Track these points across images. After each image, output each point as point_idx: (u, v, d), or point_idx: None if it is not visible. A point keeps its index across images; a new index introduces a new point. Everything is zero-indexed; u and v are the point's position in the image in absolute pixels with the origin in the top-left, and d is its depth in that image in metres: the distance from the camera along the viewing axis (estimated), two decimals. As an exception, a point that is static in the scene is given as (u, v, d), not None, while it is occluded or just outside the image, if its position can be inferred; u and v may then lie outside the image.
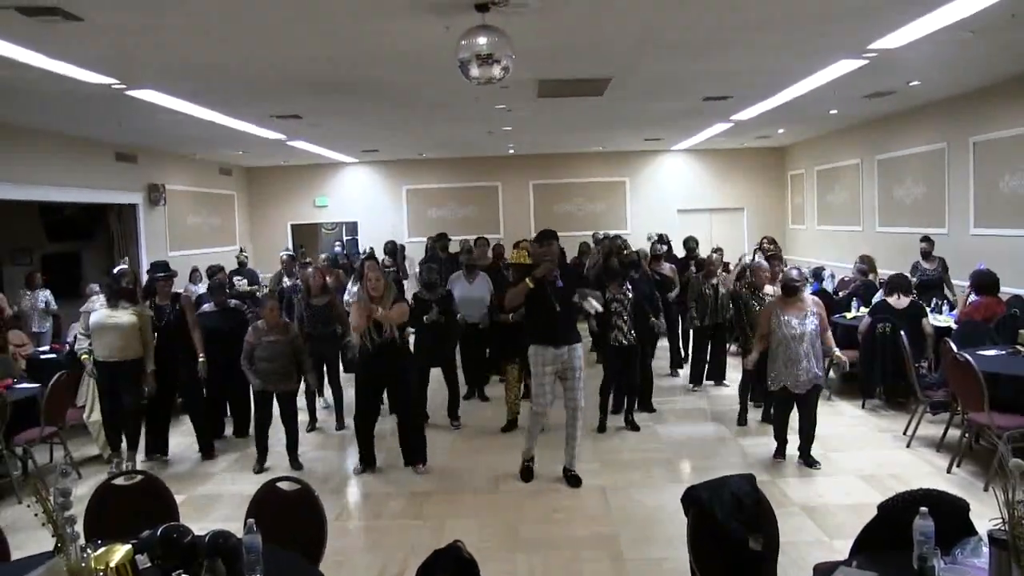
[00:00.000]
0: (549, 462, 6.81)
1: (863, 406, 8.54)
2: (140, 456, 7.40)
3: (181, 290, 12.56)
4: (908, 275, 9.64)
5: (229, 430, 8.43)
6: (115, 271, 7.61)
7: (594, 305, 6.87)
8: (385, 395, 7.12)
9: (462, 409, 8.66)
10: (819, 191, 16.44)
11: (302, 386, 7.71)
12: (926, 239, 10.26)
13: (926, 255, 10.17)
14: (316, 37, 6.45)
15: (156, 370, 7.25)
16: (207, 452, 7.68)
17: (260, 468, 7.20)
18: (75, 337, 7.93)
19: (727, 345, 10.09)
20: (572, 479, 6.54)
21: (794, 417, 6.86)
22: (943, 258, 10.16)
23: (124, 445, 7.29)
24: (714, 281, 9.45)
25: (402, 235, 18.06)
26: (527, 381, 7.90)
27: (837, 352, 6.81)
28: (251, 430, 7.76)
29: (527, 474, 6.71)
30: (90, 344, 7.19)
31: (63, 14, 5.36)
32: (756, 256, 11.23)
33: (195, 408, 7.82)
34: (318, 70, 7.73)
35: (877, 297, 9.49)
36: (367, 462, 7.06)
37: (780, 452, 6.91)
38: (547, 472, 6.74)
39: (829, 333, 6.80)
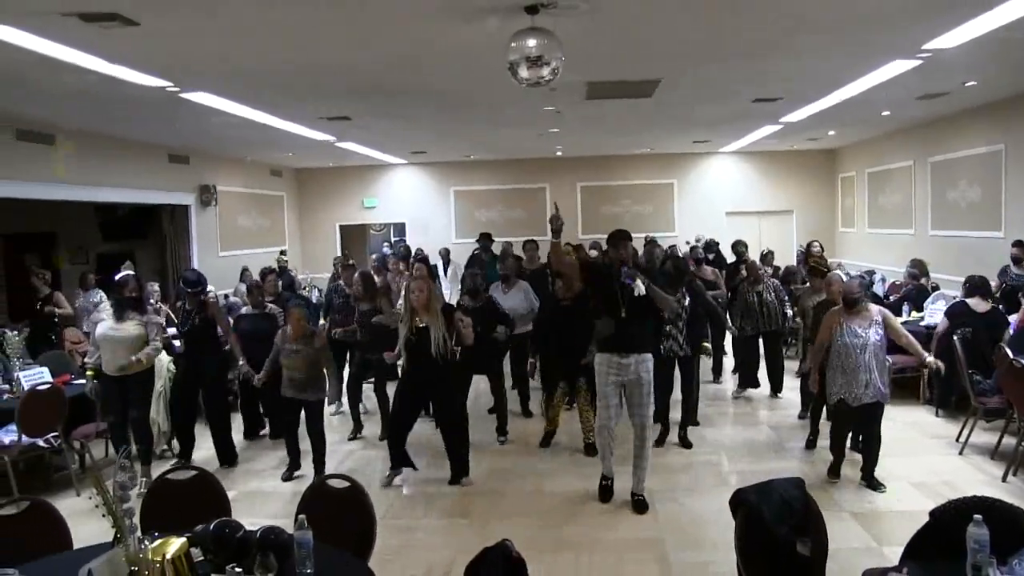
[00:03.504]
0: (593, 470, 6.79)
1: (937, 414, 8.31)
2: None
3: (231, 290, 12.89)
4: (995, 278, 9.45)
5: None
6: (117, 278, 7.32)
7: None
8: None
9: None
10: (870, 193, 16.19)
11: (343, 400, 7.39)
12: (1019, 243, 9.73)
13: (1017, 260, 9.65)
14: (365, 40, 6.51)
15: (184, 373, 7.38)
16: (226, 459, 7.60)
17: (289, 475, 7.08)
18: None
19: (782, 352, 9.85)
20: (638, 503, 6.13)
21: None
22: None
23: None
24: (759, 288, 9.15)
25: (450, 237, 18.15)
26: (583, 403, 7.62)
27: (929, 358, 6.35)
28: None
29: (604, 493, 6.32)
30: (98, 358, 7.02)
31: (121, 19, 5.48)
32: (801, 264, 11.05)
33: (217, 413, 7.65)
34: (367, 73, 7.79)
35: (931, 300, 9.34)
36: (398, 464, 6.80)
37: (835, 470, 6.55)
38: (592, 479, 6.74)
39: (910, 338, 6.42)
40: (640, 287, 5.80)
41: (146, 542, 2.99)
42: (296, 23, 5.92)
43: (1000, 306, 8.43)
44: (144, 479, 6.81)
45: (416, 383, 6.62)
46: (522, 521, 5.90)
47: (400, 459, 6.80)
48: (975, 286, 7.96)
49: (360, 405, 8.71)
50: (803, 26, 6.52)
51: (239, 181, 15.77)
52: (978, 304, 7.83)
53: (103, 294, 11.21)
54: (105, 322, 6.95)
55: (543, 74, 5.44)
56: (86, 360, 7.48)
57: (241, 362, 7.52)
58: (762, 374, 9.59)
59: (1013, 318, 8.30)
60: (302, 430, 7.10)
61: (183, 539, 3.07)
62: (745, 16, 6.20)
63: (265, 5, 5.46)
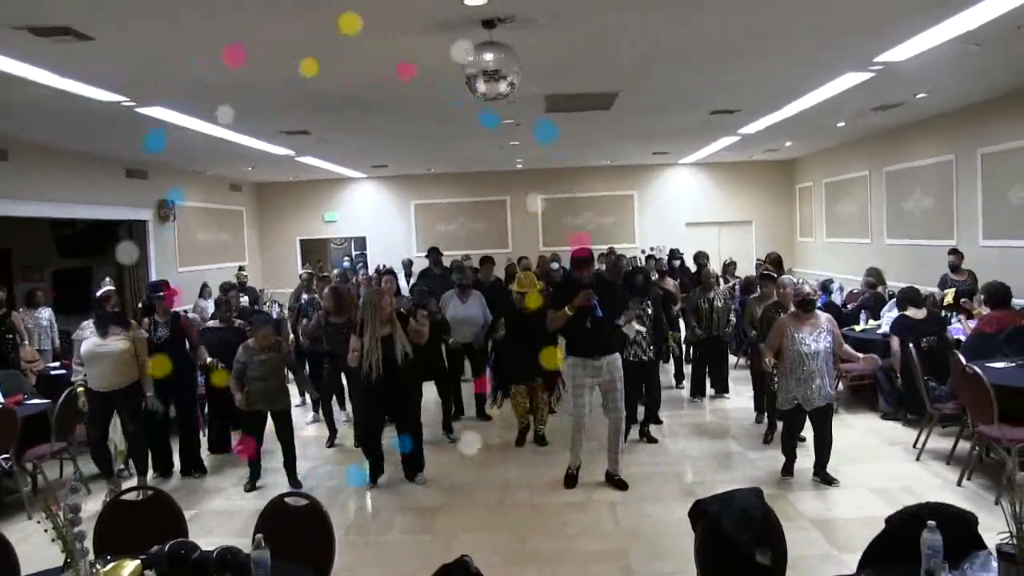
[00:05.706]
0: (563, 469, 6.94)
1: (905, 421, 8.30)
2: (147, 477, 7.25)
3: (190, 306, 12.73)
4: (937, 287, 9.87)
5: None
6: (98, 294, 7.22)
7: (635, 328, 6.90)
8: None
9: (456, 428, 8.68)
10: (827, 203, 16.42)
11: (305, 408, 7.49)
12: (954, 251, 10.14)
13: (955, 268, 10.01)
14: (324, 55, 6.48)
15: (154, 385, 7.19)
16: (194, 469, 7.61)
17: (251, 487, 7.11)
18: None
19: (729, 358, 10.11)
20: (618, 483, 6.72)
21: (804, 431, 6.87)
22: (972, 271, 9.92)
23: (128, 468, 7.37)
24: (711, 295, 9.45)
25: (411, 250, 18.09)
26: (540, 397, 8.10)
27: (861, 357, 6.62)
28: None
29: (570, 481, 6.84)
30: (85, 376, 6.98)
31: (74, 34, 5.41)
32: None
33: (187, 425, 7.67)
34: (326, 87, 7.75)
35: (888, 308, 9.46)
36: (376, 472, 7.07)
37: (788, 469, 6.83)
38: (558, 484, 6.79)
39: (847, 347, 6.72)
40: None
41: (98, 566, 2.93)
42: (255, 39, 5.89)
43: (947, 313, 8.80)
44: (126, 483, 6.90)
45: (380, 391, 6.70)
46: (487, 534, 5.87)
47: (378, 468, 7.10)
48: (908, 299, 8.18)
49: (342, 413, 8.78)
50: (758, 39, 6.62)
51: (198, 196, 15.57)
52: (916, 312, 8.03)
53: (51, 311, 11.01)
54: (90, 339, 6.89)
55: (500, 88, 5.48)
56: (74, 378, 7.38)
57: (209, 359, 7.51)
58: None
59: (956, 326, 8.54)
60: (266, 445, 7.13)
61: (137, 562, 3.01)
62: (701, 29, 6.28)
63: (222, 22, 5.43)
